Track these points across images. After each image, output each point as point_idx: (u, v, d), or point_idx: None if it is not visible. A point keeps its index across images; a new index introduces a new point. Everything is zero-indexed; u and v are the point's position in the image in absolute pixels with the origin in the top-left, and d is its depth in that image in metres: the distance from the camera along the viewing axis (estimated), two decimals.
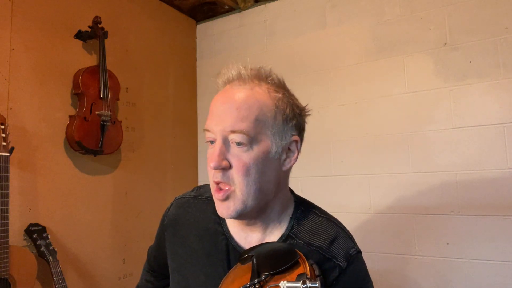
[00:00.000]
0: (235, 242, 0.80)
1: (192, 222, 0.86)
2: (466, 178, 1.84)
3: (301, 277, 0.62)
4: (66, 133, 1.83)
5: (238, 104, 0.71)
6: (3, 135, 1.46)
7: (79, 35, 1.92)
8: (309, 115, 0.80)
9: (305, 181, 2.27)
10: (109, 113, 1.91)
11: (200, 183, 2.71)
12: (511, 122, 1.78)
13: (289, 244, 0.76)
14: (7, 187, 1.44)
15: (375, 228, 2.04)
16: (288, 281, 0.61)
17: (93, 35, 1.94)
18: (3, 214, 1.42)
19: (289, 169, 0.79)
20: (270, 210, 0.78)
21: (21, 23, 1.70)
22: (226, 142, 0.71)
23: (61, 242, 1.79)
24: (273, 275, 0.65)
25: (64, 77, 1.86)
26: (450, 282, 1.85)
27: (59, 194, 1.80)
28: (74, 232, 1.85)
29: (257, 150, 0.71)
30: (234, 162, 0.71)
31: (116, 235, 2.08)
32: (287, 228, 0.79)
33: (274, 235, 0.79)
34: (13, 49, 1.67)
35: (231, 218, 0.74)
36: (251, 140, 0.70)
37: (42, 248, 1.60)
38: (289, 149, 0.76)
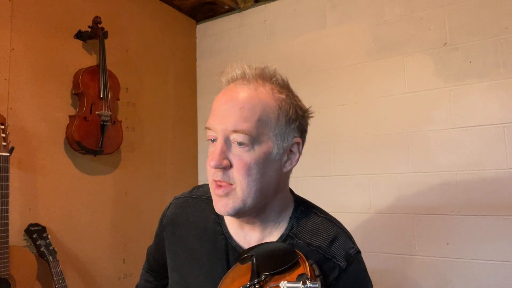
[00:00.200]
0: (235, 241, 0.80)
1: (191, 221, 0.85)
2: (466, 178, 1.84)
3: (301, 278, 0.62)
4: (66, 133, 1.83)
5: (242, 104, 0.70)
6: (3, 135, 1.46)
7: (79, 35, 1.92)
8: (312, 117, 0.80)
9: (305, 181, 2.27)
10: (109, 113, 1.91)
11: (200, 183, 2.71)
12: (511, 122, 1.78)
13: (289, 244, 0.75)
14: (7, 187, 1.44)
15: (375, 228, 2.04)
16: (288, 282, 0.61)
17: (93, 35, 1.94)
18: (3, 214, 1.42)
19: (290, 171, 0.78)
20: (270, 210, 0.77)
21: (21, 23, 1.70)
22: (227, 142, 0.71)
23: (61, 242, 1.79)
24: (273, 275, 0.65)
25: (64, 77, 1.86)
26: (450, 282, 1.85)
27: (59, 194, 1.81)
28: (74, 232, 1.85)
29: (258, 150, 0.71)
30: (235, 162, 0.70)
31: (116, 235, 2.08)
32: (286, 228, 0.78)
33: (273, 235, 0.79)
34: (13, 49, 1.67)
35: (228, 215, 0.73)
36: (253, 140, 0.70)
37: (42, 248, 1.60)
38: (290, 150, 0.76)
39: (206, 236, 0.82)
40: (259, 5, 2.56)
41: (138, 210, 2.22)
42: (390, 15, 2.10)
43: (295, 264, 0.67)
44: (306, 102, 0.81)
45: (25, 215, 1.66)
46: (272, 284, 0.63)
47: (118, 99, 2.05)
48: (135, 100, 2.26)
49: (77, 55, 1.93)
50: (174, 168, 2.51)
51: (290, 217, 0.80)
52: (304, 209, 0.82)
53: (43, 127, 1.76)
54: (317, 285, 0.59)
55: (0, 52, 1.62)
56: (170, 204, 0.92)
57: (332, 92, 2.24)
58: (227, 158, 0.71)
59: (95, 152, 1.88)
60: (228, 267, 0.77)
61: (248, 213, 0.74)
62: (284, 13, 2.46)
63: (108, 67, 1.97)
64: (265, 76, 0.74)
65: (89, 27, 1.94)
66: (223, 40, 2.70)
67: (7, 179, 1.44)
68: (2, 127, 1.47)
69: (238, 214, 0.73)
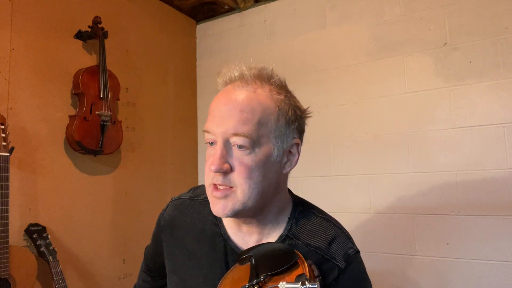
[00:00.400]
0: (233, 243, 0.80)
1: (188, 223, 0.85)
2: (466, 178, 1.84)
3: (300, 278, 0.62)
4: (66, 133, 1.83)
5: (241, 106, 0.69)
6: (3, 135, 1.46)
7: (79, 35, 1.92)
8: (310, 117, 0.79)
9: (305, 181, 2.27)
10: (109, 113, 1.91)
11: (200, 183, 2.71)
12: (511, 122, 1.78)
13: (288, 245, 0.75)
14: (7, 187, 1.44)
15: (375, 228, 2.04)
16: (287, 282, 0.61)
17: (93, 35, 1.94)
18: (3, 214, 1.42)
19: (289, 172, 0.78)
20: (268, 211, 0.77)
21: (21, 23, 1.70)
22: (227, 145, 0.70)
23: (61, 242, 1.79)
24: (272, 276, 0.65)
25: (64, 77, 1.86)
26: (450, 282, 1.85)
27: (59, 194, 1.81)
28: (74, 232, 1.85)
29: (259, 153, 0.70)
30: (236, 165, 0.69)
31: (116, 235, 2.08)
32: (285, 229, 0.78)
33: (272, 235, 0.78)
34: (13, 49, 1.67)
35: (226, 217, 0.72)
36: (253, 143, 0.69)
37: (42, 248, 1.60)
38: (290, 152, 0.75)
39: (204, 237, 0.82)
40: (259, 5, 2.56)
41: (138, 210, 2.22)
42: (390, 15, 2.09)
43: (294, 265, 0.67)
44: (306, 102, 0.81)
45: (25, 215, 1.66)
46: (271, 284, 0.63)
47: (118, 99, 2.05)
48: (135, 100, 2.26)
49: (77, 55, 1.93)
50: (174, 168, 2.52)
51: (289, 218, 0.80)
52: (302, 209, 0.82)
53: (43, 127, 1.76)
54: (316, 286, 0.59)
55: (0, 52, 1.63)
56: (168, 205, 0.91)
57: (332, 92, 2.24)
58: (227, 161, 0.69)
59: (95, 152, 1.88)
60: (227, 268, 0.77)
61: (246, 214, 0.74)
62: (284, 13, 2.46)
63: (108, 67, 1.97)
64: (263, 77, 0.73)
65: (89, 27, 1.94)
66: (223, 40, 2.70)
67: (7, 179, 1.44)
68: (2, 127, 1.48)
69: (236, 215, 0.73)
